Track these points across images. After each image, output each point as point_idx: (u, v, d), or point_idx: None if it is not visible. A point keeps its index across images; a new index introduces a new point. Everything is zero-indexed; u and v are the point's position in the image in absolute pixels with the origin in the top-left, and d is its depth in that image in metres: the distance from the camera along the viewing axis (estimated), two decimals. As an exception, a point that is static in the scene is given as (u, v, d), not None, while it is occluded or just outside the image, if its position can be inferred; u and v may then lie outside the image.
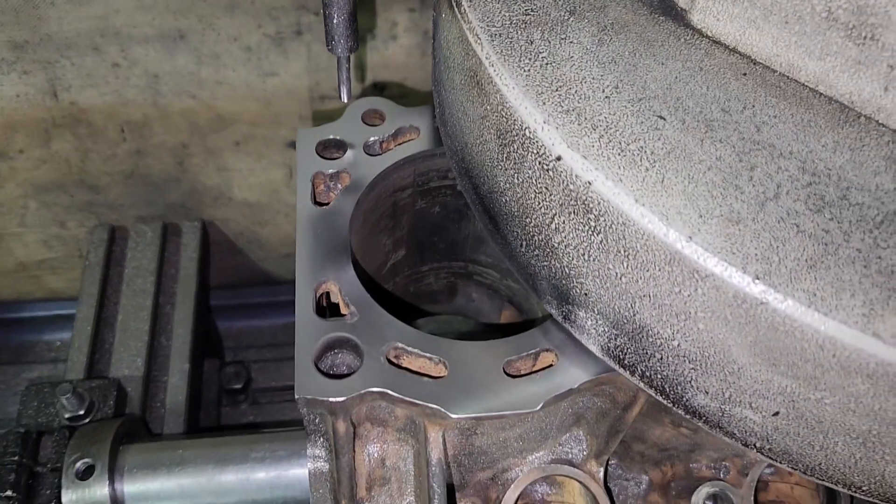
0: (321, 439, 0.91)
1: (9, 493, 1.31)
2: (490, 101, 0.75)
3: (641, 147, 0.67)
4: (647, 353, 0.71)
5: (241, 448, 1.31)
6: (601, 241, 0.68)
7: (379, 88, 1.73)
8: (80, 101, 1.63)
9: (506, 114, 0.73)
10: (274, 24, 1.59)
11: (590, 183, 0.66)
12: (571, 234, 0.70)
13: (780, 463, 0.72)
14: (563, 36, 0.77)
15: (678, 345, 0.68)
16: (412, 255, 1.22)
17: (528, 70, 0.73)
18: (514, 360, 0.88)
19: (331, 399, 0.83)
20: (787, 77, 0.74)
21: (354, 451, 0.93)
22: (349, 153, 1.03)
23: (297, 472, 1.17)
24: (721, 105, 0.71)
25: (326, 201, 1.01)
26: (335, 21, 0.88)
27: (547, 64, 0.74)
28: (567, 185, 0.68)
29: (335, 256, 0.94)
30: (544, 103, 0.70)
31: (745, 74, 0.74)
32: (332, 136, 1.05)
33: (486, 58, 0.75)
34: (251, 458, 1.28)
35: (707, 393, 0.69)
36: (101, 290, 1.72)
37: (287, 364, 1.95)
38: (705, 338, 0.65)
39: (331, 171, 1.02)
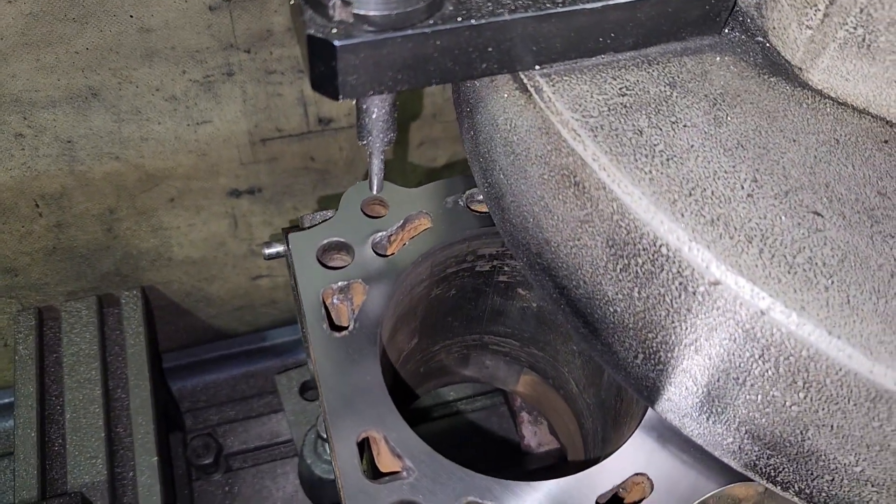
0: None
1: None
2: (597, 207, 0.63)
3: (810, 258, 0.57)
4: (813, 474, 0.63)
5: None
6: (768, 371, 0.58)
7: (324, 122, 1.55)
8: (-19, 181, 1.39)
9: (626, 225, 0.61)
10: (200, 68, 1.38)
11: (763, 313, 0.56)
12: (725, 359, 0.60)
13: None
14: (673, 119, 0.65)
15: (861, 471, 0.60)
16: (424, 340, 1.08)
17: (650, 172, 0.61)
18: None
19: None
20: None
21: None
22: (357, 257, 0.88)
23: None
24: (875, 187, 0.62)
25: (345, 325, 0.85)
26: (374, 116, 0.73)
27: (668, 159, 0.62)
28: (726, 310, 0.58)
29: (373, 398, 0.79)
30: (682, 215, 0.59)
31: (886, 142, 0.65)
32: (333, 239, 0.89)
33: (593, 159, 0.62)
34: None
35: None
36: (40, 387, 1.51)
37: (254, 421, 1.80)
38: None
39: (340, 284, 0.86)
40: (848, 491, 0.63)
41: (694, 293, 0.59)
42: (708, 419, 0.66)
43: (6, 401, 1.73)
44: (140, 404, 1.53)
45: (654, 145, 0.63)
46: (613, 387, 0.98)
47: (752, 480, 0.78)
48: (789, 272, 0.56)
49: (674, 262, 0.59)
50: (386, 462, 0.79)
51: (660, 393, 0.68)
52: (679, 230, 0.58)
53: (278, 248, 0.94)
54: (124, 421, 1.52)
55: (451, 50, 0.61)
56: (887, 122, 0.67)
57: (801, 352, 0.55)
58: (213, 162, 1.53)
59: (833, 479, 0.63)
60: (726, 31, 0.73)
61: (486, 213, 0.94)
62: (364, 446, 0.79)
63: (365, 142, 0.76)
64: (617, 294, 0.65)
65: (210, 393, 1.93)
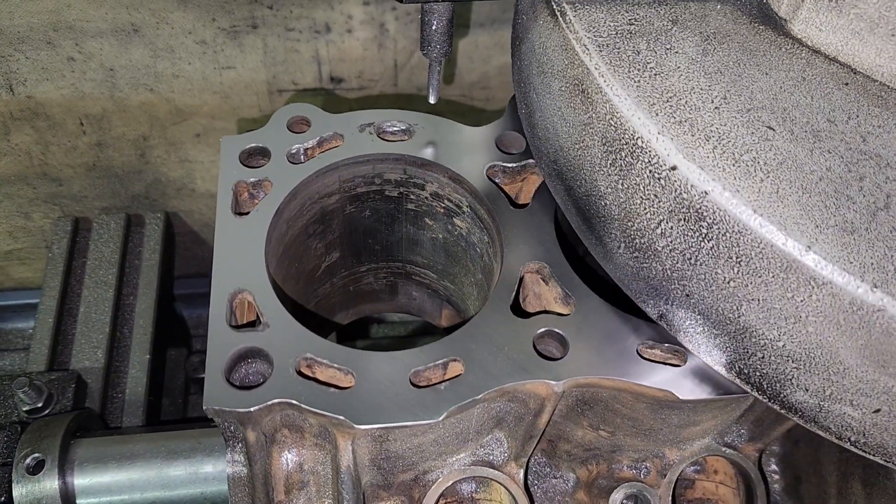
0: (239, 445, 0.94)
1: (-40, 488, 1.35)
2: (597, 110, 0.79)
3: (755, 158, 0.71)
4: (747, 351, 0.76)
5: (189, 442, 1.34)
6: (712, 248, 0.72)
7: (336, 81, 1.74)
8: (36, 95, 1.65)
9: (615, 123, 0.76)
10: (228, 18, 1.60)
11: (706, 193, 0.70)
12: (679, 240, 0.74)
13: (874, 456, 0.77)
14: (668, 46, 0.81)
15: (783, 345, 0.72)
16: (348, 257, 1.24)
17: (639, 81, 0.77)
18: (422, 370, 0.90)
19: (238, 409, 0.86)
20: (889, 87, 0.78)
21: (272, 456, 0.96)
22: (272, 162, 1.05)
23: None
24: (826, 115, 0.75)
25: (248, 210, 1.03)
26: (433, 27, 0.89)
27: (656, 74, 0.78)
28: (680, 193, 0.72)
29: (252, 266, 0.96)
30: (657, 114, 0.74)
31: (846, 84, 0.78)
32: (255, 144, 1.07)
33: (595, 68, 0.79)
34: (199, 451, 1.32)
35: (807, 390, 0.74)
36: (64, 282, 1.74)
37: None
38: (813, 340, 0.70)
39: (253, 179, 1.04)
40: (775, 368, 0.75)
41: (658, 178, 0.73)
42: (668, 300, 0.80)
43: (35, 301, 1.98)
44: (144, 310, 1.75)
45: (647, 63, 0.79)
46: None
47: (549, 380, 0.91)
48: (734, 165, 0.70)
49: (645, 152, 0.74)
50: (248, 317, 0.96)
51: (635, 280, 0.82)
52: (651, 125, 0.74)
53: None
54: (129, 322, 1.75)
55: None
56: (852, 69, 0.80)
57: (734, 227, 0.69)
58: (234, 105, 1.74)
59: (763, 357, 0.75)
60: None
61: (392, 141, 1.10)
62: (233, 303, 0.96)
63: (425, 51, 0.92)
64: (607, 188, 0.80)
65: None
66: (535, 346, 0.92)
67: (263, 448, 0.93)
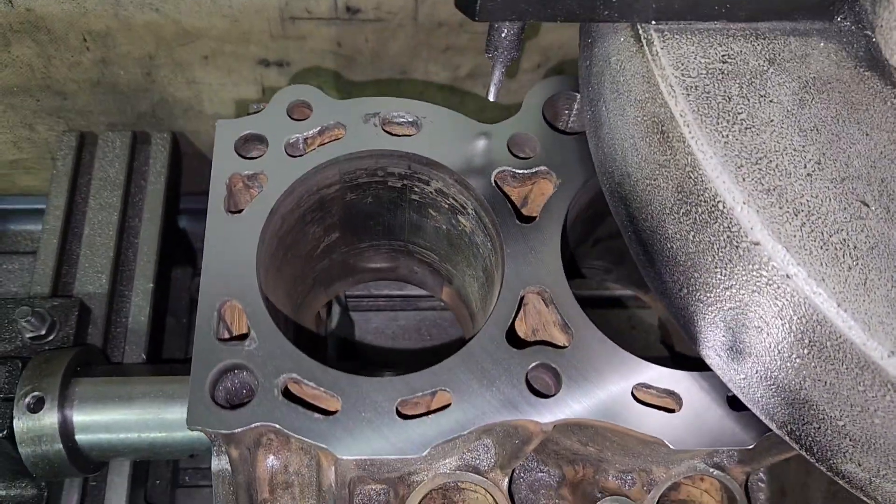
0: (224, 448, 0.95)
1: (-39, 420, 1.38)
2: (675, 157, 0.73)
3: (844, 240, 0.66)
4: (804, 420, 0.74)
5: (188, 385, 1.37)
6: (784, 326, 0.69)
7: (352, 11, 1.63)
8: (35, 9, 1.56)
9: (694, 177, 0.71)
10: (240, -62, 1.49)
11: (788, 276, 0.66)
12: (750, 309, 0.71)
13: None
14: (762, 93, 0.74)
15: (843, 426, 0.70)
16: (348, 236, 1.20)
17: (727, 135, 0.71)
18: (410, 399, 0.89)
19: (222, 431, 0.86)
20: None
21: (257, 458, 0.96)
22: (269, 153, 0.99)
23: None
24: None
25: (241, 207, 0.98)
26: (503, 34, 0.82)
27: (746, 128, 0.71)
28: (759, 269, 0.68)
29: (243, 273, 0.93)
30: (744, 179, 0.69)
31: None
32: (252, 131, 1.00)
33: (681, 114, 0.72)
34: (196, 396, 1.34)
35: (860, 465, 0.73)
36: (69, 202, 1.72)
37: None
38: (878, 430, 0.68)
39: (248, 172, 0.99)
40: (830, 440, 0.72)
41: (737, 247, 0.69)
42: (728, 356, 0.77)
43: (41, 206, 1.97)
44: (149, 236, 1.73)
45: (738, 113, 0.72)
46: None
47: (538, 419, 0.89)
48: (821, 248, 0.66)
49: (726, 218, 0.69)
50: (238, 326, 0.94)
51: (694, 325, 0.80)
52: (736, 192, 0.68)
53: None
54: (133, 247, 1.73)
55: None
56: None
57: (812, 315, 0.65)
58: (244, 29, 1.65)
59: (819, 428, 0.72)
60: (838, 19, 0.77)
61: (398, 134, 1.03)
62: (222, 311, 0.94)
63: (490, 55, 0.85)
64: (676, 233, 0.75)
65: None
66: (528, 380, 0.90)
67: (247, 461, 0.93)
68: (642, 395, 0.91)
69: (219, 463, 0.98)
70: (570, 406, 0.89)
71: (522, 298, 0.96)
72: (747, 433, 0.89)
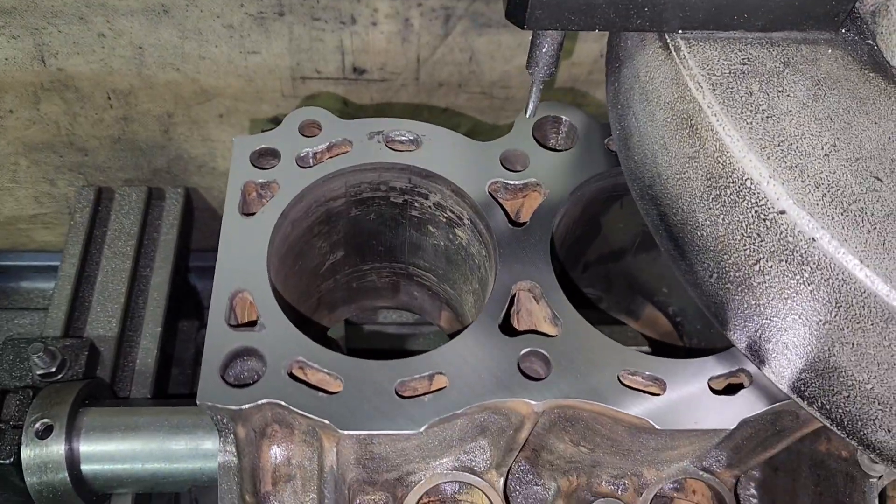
0: (230, 437, 0.99)
1: (-29, 445, 1.41)
2: (704, 146, 0.81)
3: (862, 208, 0.73)
4: (833, 389, 0.79)
5: (192, 418, 1.40)
6: (811, 291, 0.75)
7: (359, 72, 1.77)
8: (67, 68, 1.70)
9: (723, 161, 0.79)
10: (256, 4, 1.63)
11: (813, 239, 0.73)
12: (777, 279, 0.77)
13: None
14: (780, 88, 0.83)
15: (871, 388, 0.75)
16: (352, 256, 1.28)
17: (751, 122, 0.79)
18: (408, 380, 0.94)
19: (230, 406, 0.91)
20: None
21: (262, 449, 1.01)
22: (281, 164, 1.09)
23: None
24: None
25: (255, 210, 1.07)
26: (543, 49, 0.90)
27: (768, 117, 0.80)
28: (785, 237, 0.75)
29: (254, 267, 1.01)
30: (769, 158, 0.77)
31: None
32: (266, 146, 1.10)
33: (709, 106, 0.81)
34: (201, 428, 1.37)
35: (889, 432, 0.77)
36: (84, 250, 1.80)
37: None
38: None
39: (261, 180, 1.08)
40: (859, 408, 0.77)
41: (764, 219, 0.76)
42: (757, 332, 0.83)
43: (55, 263, 2.05)
44: (159, 283, 1.80)
45: (759, 105, 0.81)
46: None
47: (529, 400, 0.94)
48: (842, 214, 0.73)
49: (753, 193, 0.76)
50: (248, 317, 1.00)
51: (724, 309, 0.85)
52: (763, 168, 0.76)
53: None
54: (143, 294, 1.80)
55: (616, 4, 0.80)
56: None
57: (838, 275, 0.72)
58: (258, 89, 1.78)
59: (849, 396, 0.77)
60: (843, 30, 0.88)
61: (399, 150, 1.13)
62: (234, 301, 1.00)
63: (531, 71, 0.94)
64: (706, 220, 0.82)
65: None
66: (519, 366, 0.96)
67: (253, 443, 0.97)
68: (628, 381, 0.96)
69: (224, 456, 1.03)
70: (559, 388, 0.94)
71: (515, 295, 1.03)
72: (728, 415, 0.94)
